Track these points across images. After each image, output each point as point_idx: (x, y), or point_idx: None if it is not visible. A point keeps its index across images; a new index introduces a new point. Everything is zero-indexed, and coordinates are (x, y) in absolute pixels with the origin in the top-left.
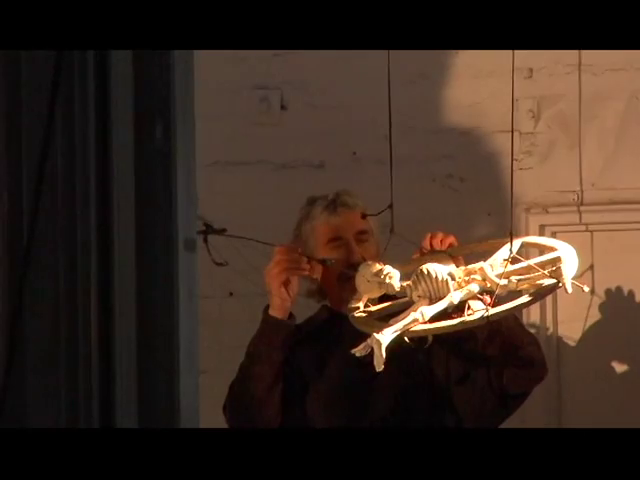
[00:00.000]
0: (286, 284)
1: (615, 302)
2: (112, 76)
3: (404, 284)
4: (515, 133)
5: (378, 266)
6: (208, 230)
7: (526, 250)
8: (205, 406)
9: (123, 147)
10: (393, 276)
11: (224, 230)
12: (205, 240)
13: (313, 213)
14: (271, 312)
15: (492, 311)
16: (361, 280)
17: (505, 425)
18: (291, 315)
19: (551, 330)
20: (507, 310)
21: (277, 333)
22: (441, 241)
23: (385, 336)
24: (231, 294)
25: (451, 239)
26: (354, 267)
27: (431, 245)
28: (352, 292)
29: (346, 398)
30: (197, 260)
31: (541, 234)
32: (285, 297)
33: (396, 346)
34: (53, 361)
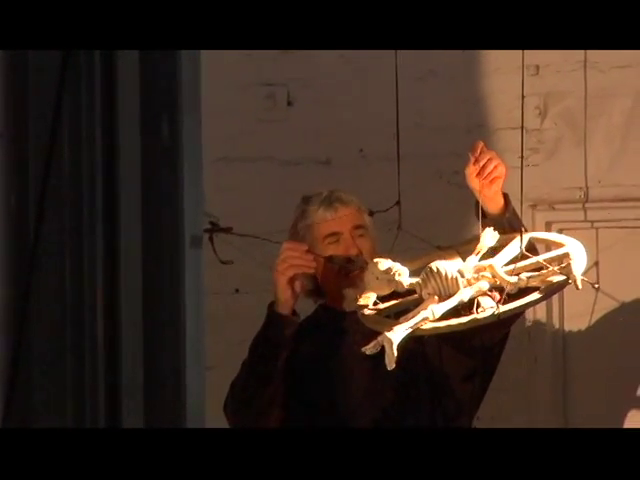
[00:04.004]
0: (292, 280)
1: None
2: (119, 72)
3: (413, 281)
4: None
5: (387, 263)
6: (214, 228)
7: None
8: (211, 402)
9: (129, 143)
10: (402, 273)
11: (230, 229)
12: (211, 238)
13: (309, 210)
14: (276, 308)
15: (502, 308)
16: (370, 278)
17: (512, 425)
18: (295, 312)
19: (557, 326)
20: (517, 307)
21: (282, 329)
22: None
23: (396, 334)
24: (237, 290)
25: (500, 172)
26: (351, 262)
27: (481, 168)
28: (351, 287)
29: (345, 392)
30: (203, 257)
31: (547, 231)
32: (290, 293)
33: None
34: (59, 360)
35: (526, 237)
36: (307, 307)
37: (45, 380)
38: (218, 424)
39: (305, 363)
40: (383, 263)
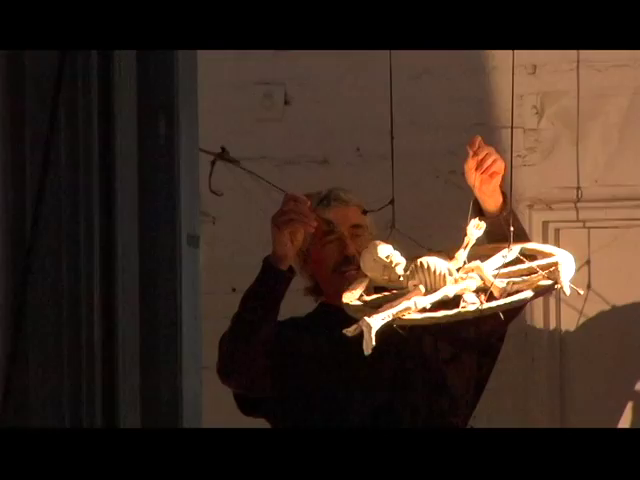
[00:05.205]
0: (291, 234)
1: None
2: (116, 71)
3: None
4: (519, 129)
5: (387, 250)
6: (223, 155)
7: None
8: (208, 400)
9: (127, 142)
10: (400, 263)
11: (237, 162)
12: (213, 162)
13: None
14: (272, 261)
15: (486, 305)
16: (368, 257)
17: (508, 425)
18: (291, 268)
19: (554, 326)
20: (502, 305)
21: (276, 283)
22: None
23: (375, 320)
24: (234, 290)
25: (499, 167)
26: (348, 261)
27: (479, 161)
28: (347, 284)
29: (344, 387)
30: (200, 256)
31: (544, 230)
32: (289, 247)
33: (389, 332)
34: (56, 361)
35: (517, 248)
36: (307, 305)
37: (42, 380)
38: (215, 424)
39: (305, 359)
40: (384, 248)
